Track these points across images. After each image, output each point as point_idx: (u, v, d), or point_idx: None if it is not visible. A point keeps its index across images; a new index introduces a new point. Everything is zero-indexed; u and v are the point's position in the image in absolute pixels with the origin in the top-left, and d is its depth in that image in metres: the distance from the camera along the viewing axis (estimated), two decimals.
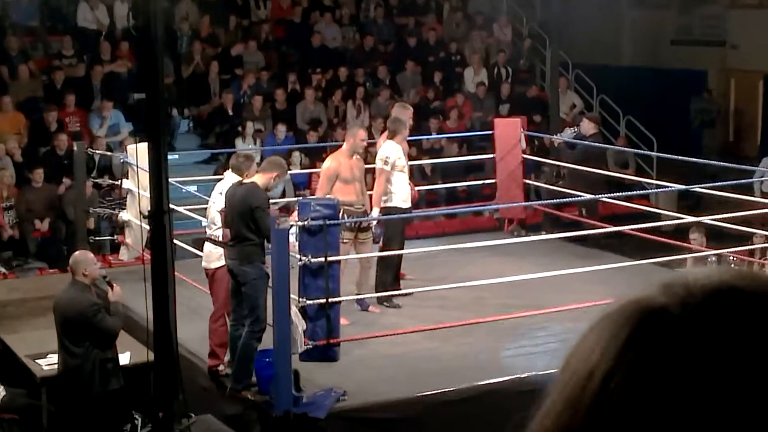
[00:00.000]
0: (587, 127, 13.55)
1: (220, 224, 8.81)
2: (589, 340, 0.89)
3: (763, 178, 13.71)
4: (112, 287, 8.49)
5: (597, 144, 13.63)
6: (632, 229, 11.69)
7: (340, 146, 10.76)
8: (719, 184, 11.65)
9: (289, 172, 14.30)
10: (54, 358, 8.63)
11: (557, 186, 13.51)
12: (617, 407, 0.84)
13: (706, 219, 11.59)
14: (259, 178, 8.59)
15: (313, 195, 12.13)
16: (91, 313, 8.14)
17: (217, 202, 9.22)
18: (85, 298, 8.25)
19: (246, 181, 8.62)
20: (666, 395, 0.83)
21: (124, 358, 8.85)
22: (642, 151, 16.41)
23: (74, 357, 8.22)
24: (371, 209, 10.40)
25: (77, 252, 8.94)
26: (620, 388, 0.85)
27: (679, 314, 0.86)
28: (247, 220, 8.30)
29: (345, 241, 9.96)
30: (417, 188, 12.04)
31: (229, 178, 9.47)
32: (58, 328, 8.35)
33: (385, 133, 10.92)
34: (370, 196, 10.59)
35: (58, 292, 8.55)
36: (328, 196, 9.82)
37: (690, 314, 0.86)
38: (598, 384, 0.86)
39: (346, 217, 9.92)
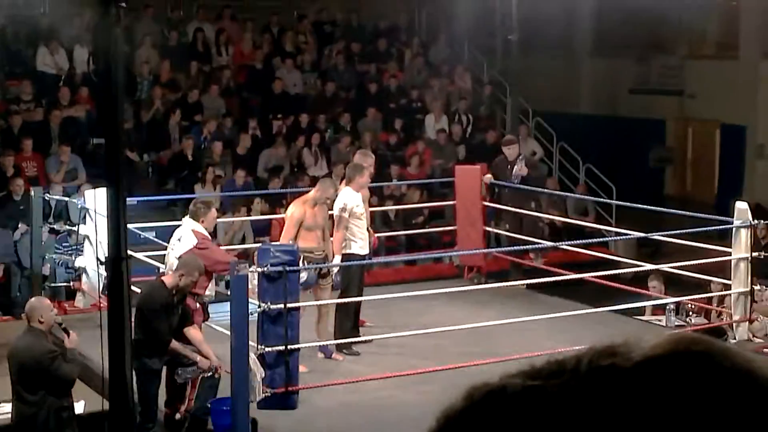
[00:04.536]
0: (511, 152, 13.44)
1: None
2: None
3: None
4: (68, 334, 8.38)
5: (521, 187, 13.48)
6: (592, 277, 11.73)
7: (302, 193, 10.72)
8: (677, 232, 11.74)
9: (249, 218, 14.38)
10: (7, 407, 8.47)
11: (503, 230, 13.55)
12: None
13: (664, 267, 11.66)
14: (167, 278, 8.60)
15: (274, 241, 12.09)
16: (48, 360, 8.03)
17: (175, 248, 9.18)
18: (42, 344, 8.14)
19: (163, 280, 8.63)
20: None
21: (78, 407, 8.71)
22: (601, 199, 16.52)
23: (29, 405, 8.08)
24: (333, 256, 10.35)
25: (33, 299, 8.85)
26: None
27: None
28: (139, 319, 8.27)
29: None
30: (377, 235, 12.01)
31: (187, 224, 9.44)
32: (12, 376, 8.22)
33: (344, 180, 10.89)
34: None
35: (13, 340, 8.44)
36: (289, 242, 9.80)
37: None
38: None
39: (305, 263, 9.87)
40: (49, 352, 8.09)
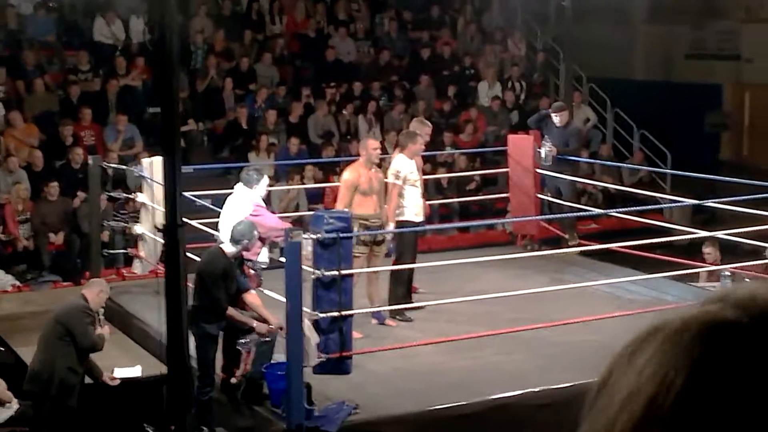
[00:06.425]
0: (561, 119, 13.37)
1: None
2: (648, 357, 0.86)
3: None
4: (102, 325, 8.81)
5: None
6: (645, 244, 11.65)
7: (354, 160, 10.78)
8: (733, 199, 11.62)
9: (303, 186, 14.47)
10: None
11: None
12: (698, 423, 0.82)
13: (719, 233, 11.57)
14: (226, 246, 8.71)
15: (327, 208, 12.17)
16: (82, 315, 8.62)
17: (229, 216, 9.29)
18: (83, 305, 8.72)
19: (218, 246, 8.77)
20: (750, 410, 0.82)
21: (136, 371, 8.90)
22: (656, 169, 16.41)
23: (51, 356, 8.63)
24: (387, 223, 10.38)
25: (101, 279, 9.37)
26: (700, 405, 0.83)
27: (751, 327, 0.85)
28: (198, 285, 8.42)
29: (358, 255, 9.93)
30: (429, 203, 12.03)
31: (240, 191, 9.55)
32: (43, 332, 8.75)
33: (398, 148, 10.94)
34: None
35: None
36: (343, 209, 9.84)
37: (763, 326, 0.85)
38: (673, 401, 0.83)
39: (361, 230, 9.91)
40: (86, 310, 8.66)
